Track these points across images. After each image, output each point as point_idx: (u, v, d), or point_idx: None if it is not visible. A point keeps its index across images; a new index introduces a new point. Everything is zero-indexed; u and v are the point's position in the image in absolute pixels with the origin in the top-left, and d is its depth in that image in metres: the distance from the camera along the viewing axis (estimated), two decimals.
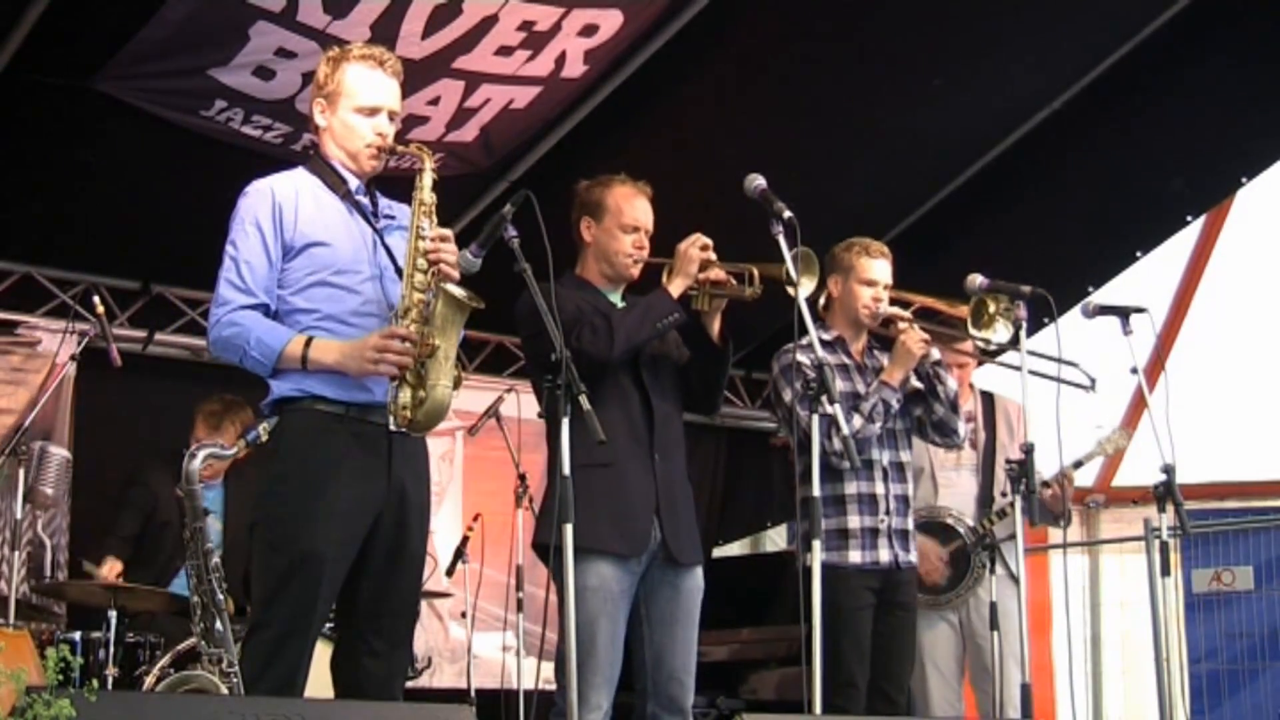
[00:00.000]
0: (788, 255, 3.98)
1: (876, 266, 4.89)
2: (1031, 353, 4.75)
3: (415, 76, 5.44)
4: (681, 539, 4.16)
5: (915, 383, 4.83)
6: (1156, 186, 7.12)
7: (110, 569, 5.44)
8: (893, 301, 4.87)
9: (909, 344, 4.74)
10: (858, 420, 4.68)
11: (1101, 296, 6.81)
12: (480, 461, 7.47)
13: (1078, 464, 5.44)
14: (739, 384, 8.18)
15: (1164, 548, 4.64)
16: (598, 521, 3.87)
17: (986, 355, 5.44)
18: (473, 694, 6.29)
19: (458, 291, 3.57)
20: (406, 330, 3.52)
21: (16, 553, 5.74)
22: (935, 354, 4.84)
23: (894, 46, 6.24)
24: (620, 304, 4.30)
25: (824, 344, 4.53)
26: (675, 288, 4.17)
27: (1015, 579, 4.92)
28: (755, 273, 4.19)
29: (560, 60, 5.79)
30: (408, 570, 3.66)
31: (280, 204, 3.62)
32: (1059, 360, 4.93)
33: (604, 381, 4.01)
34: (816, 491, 3.95)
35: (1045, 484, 5.20)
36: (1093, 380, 5.09)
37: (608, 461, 3.97)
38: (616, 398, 4.10)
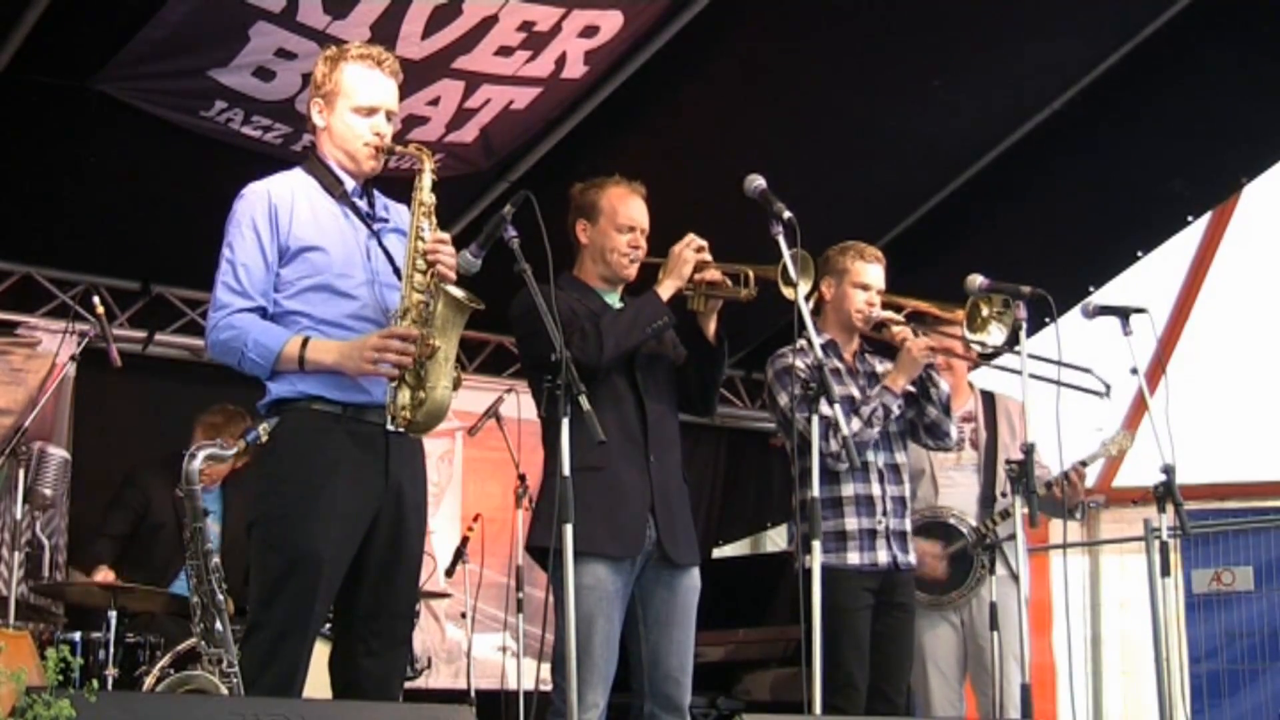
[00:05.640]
0: (787, 255, 3.98)
1: (870, 270, 4.89)
2: (1041, 358, 4.75)
3: (415, 77, 5.44)
4: (677, 540, 4.16)
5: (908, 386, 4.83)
6: (1156, 186, 7.11)
7: (102, 578, 5.42)
8: (885, 306, 4.87)
9: (913, 351, 4.74)
10: (856, 423, 4.68)
11: (1102, 296, 6.81)
12: (480, 462, 7.47)
13: (1082, 464, 5.44)
14: (738, 384, 8.18)
15: (1164, 548, 4.63)
16: (592, 524, 3.85)
17: (984, 358, 5.44)
18: (473, 694, 6.30)
19: (458, 293, 3.57)
20: (406, 331, 3.52)
21: (16, 553, 5.74)
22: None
23: (894, 47, 6.24)
24: (618, 305, 4.30)
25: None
26: (665, 290, 4.18)
27: (1015, 577, 4.93)
28: (750, 274, 4.19)
29: (560, 61, 5.79)
30: (405, 570, 3.66)
31: (276, 206, 3.62)
32: (1072, 366, 4.92)
33: (597, 383, 3.99)
34: (816, 492, 3.95)
35: (1048, 485, 5.20)
36: (1108, 387, 5.08)
37: (602, 465, 3.97)
38: (610, 399, 4.09)
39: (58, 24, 5.04)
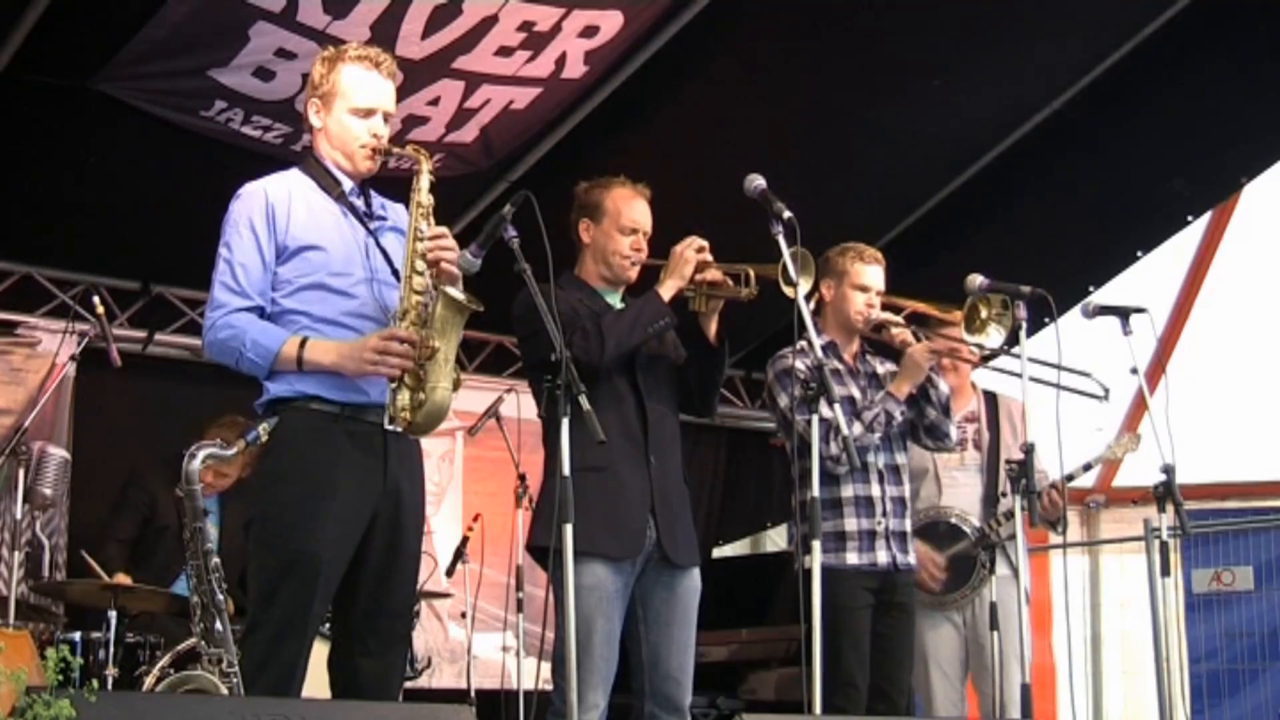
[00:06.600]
0: (787, 254, 3.98)
1: (870, 272, 4.89)
2: (1041, 361, 4.75)
3: (415, 77, 5.44)
4: (677, 540, 4.16)
5: None
6: (1156, 186, 7.12)
7: (118, 581, 5.41)
8: (884, 307, 4.87)
9: (916, 356, 4.74)
10: (858, 428, 4.68)
11: (1102, 296, 6.82)
12: (480, 462, 7.47)
13: (1087, 467, 5.44)
14: (738, 384, 8.18)
15: (1164, 548, 4.64)
16: (592, 524, 3.84)
17: (985, 359, 5.44)
18: (473, 694, 6.30)
19: (457, 294, 3.57)
20: (406, 333, 3.52)
21: (16, 553, 5.73)
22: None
23: (894, 47, 6.24)
24: (619, 305, 4.30)
25: None
26: (667, 290, 4.17)
27: (1016, 574, 4.93)
28: (751, 273, 4.19)
29: (560, 61, 5.79)
30: (403, 570, 3.65)
31: (273, 205, 3.62)
32: (1072, 370, 4.92)
33: (598, 384, 3.99)
34: (816, 492, 3.95)
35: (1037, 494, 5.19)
36: (1106, 390, 5.07)
37: (602, 465, 3.96)
38: (611, 400, 4.08)
39: (58, 24, 5.04)
